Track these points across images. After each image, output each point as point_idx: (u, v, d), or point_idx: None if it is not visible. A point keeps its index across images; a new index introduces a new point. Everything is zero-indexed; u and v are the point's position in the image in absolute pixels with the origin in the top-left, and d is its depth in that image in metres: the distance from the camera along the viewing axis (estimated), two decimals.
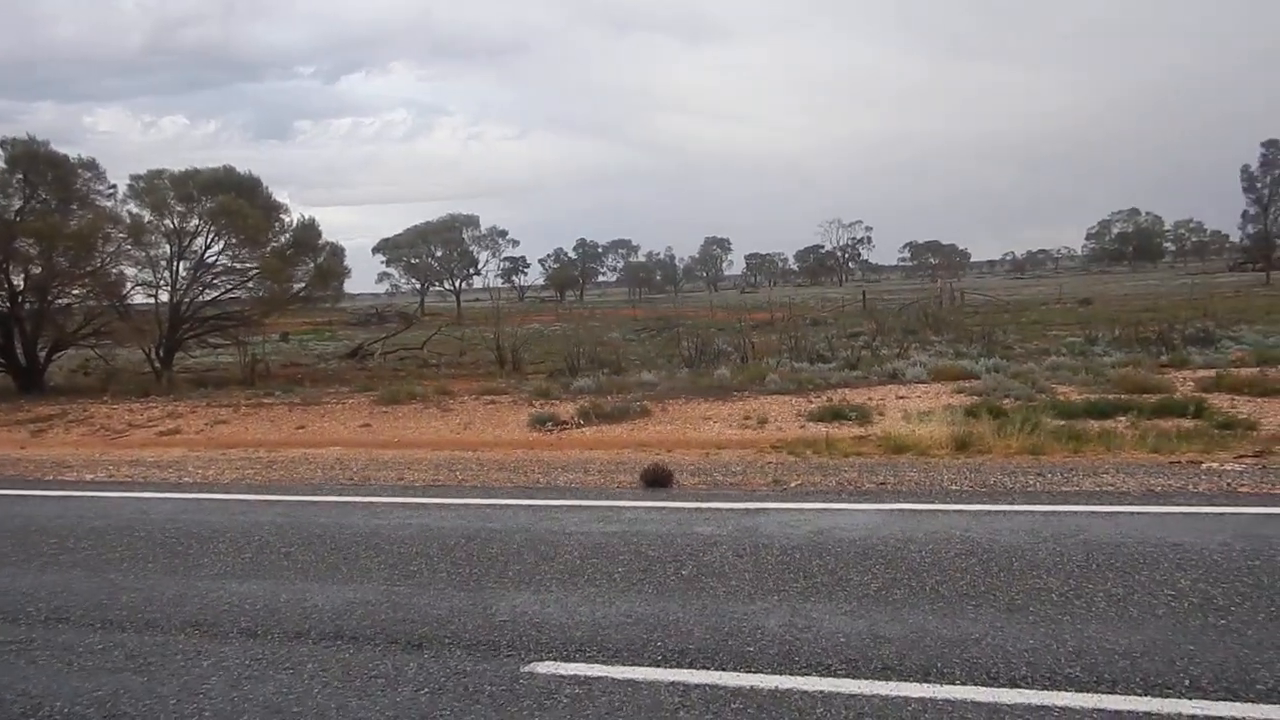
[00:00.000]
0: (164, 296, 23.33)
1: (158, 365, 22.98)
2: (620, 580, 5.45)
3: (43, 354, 22.10)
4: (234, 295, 23.40)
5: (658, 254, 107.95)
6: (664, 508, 7.27)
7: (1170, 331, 20.58)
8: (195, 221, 22.68)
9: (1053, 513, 6.54)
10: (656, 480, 8.17)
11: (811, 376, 15.18)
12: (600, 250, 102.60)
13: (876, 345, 23.70)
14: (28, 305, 21.76)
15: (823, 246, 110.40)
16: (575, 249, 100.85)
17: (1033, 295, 54.42)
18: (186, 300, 23.18)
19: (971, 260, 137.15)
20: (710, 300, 68.96)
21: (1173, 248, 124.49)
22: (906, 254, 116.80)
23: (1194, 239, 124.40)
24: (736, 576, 5.38)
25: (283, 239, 23.07)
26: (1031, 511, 6.58)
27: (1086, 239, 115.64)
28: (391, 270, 70.54)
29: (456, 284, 72.94)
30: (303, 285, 23.22)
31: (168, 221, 22.34)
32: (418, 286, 70.60)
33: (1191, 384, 13.14)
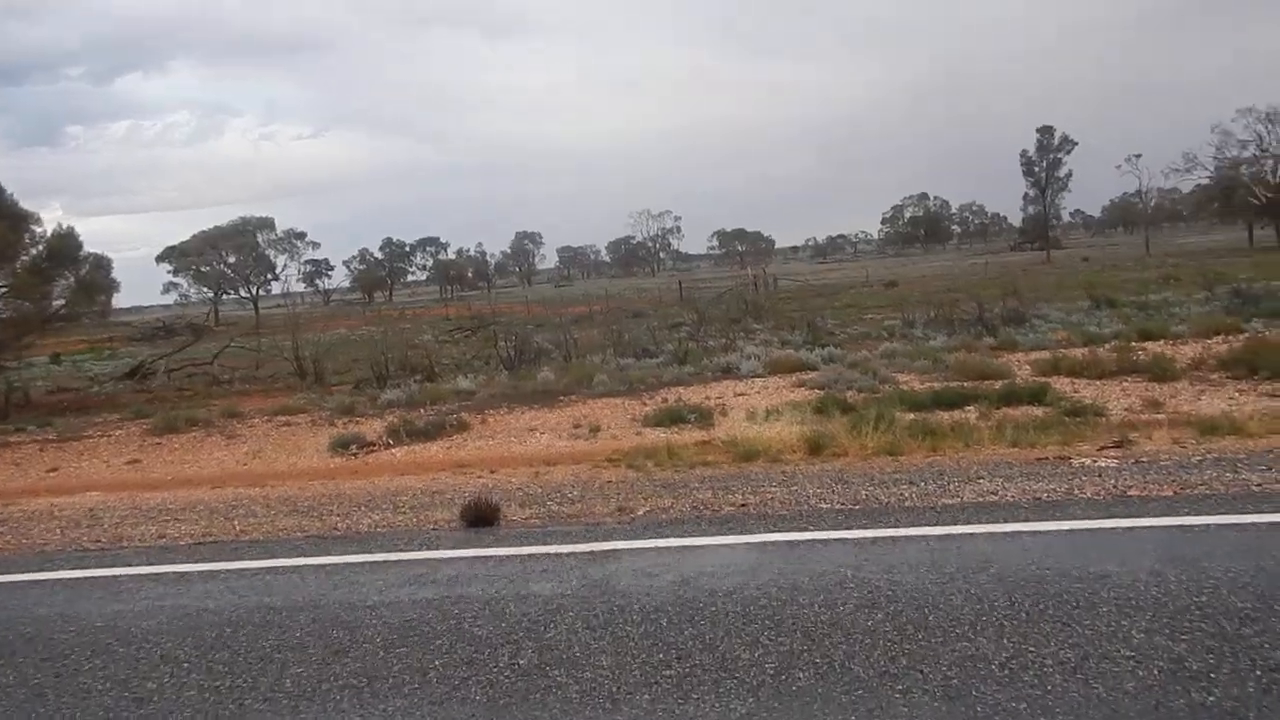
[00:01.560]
0: None
1: None
2: (437, 681, 4.08)
3: None
4: None
5: (468, 250, 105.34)
6: (492, 556, 5.92)
7: (983, 313, 20.66)
8: None
9: (947, 536, 5.58)
10: (480, 518, 6.81)
11: (641, 375, 14.10)
12: (408, 249, 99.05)
13: (701, 336, 22.95)
14: None
15: (634, 238, 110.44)
16: (382, 249, 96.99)
17: (840, 279, 55.60)
18: None
19: (776, 247, 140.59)
20: (525, 296, 67.41)
21: (959, 230, 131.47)
22: (715, 243, 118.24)
23: (977, 221, 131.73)
24: (591, 664, 4.10)
25: (34, 252, 20.17)
26: (924, 537, 5.60)
27: (882, 223, 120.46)
28: (180, 280, 65.44)
29: (253, 291, 68.42)
30: (62, 302, 20.37)
31: None
32: (210, 296, 65.77)
33: (1028, 367, 12.78)
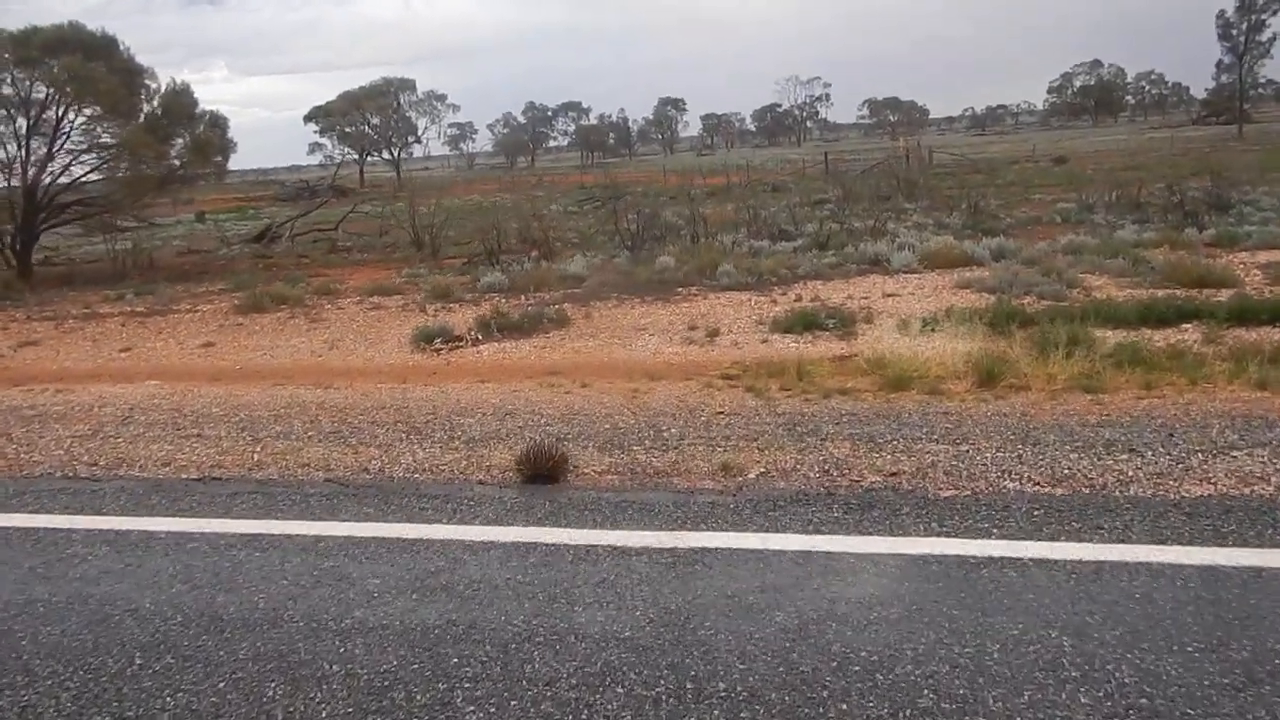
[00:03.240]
0: (16, 180, 19.52)
1: (13, 261, 19.35)
2: None
3: None
4: (100, 177, 19.63)
5: (610, 116, 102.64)
6: (537, 545, 4.26)
7: (1180, 196, 17.58)
8: (45, 90, 18.69)
9: (1214, 571, 3.59)
10: (540, 471, 5.14)
11: (774, 264, 12.08)
12: (550, 114, 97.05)
13: (846, 216, 20.55)
14: None
15: (780, 105, 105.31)
16: (524, 113, 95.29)
17: (1001, 153, 51.07)
18: (44, 183, 19.38)
19: (931, 117, 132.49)
20: (664, 165, 64.91)
21: (1132, 101, 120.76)
22: (865, 112, 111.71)
23: (1154, 92, 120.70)
24: None
25: (148, 109, 19.17)
26: (1176, 568, 3.62)
27: (1048, 93, 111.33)
28: (325, 141, 65.35)
29: (395, 153, 67.96)
30: (177, 162, 19.41)
31: (6, 90, 18.35)
32: (354, 157, 65.60)
33: (1257, 273, 10.21)
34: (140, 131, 18.63)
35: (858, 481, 4.93)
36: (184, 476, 5.63)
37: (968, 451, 5.24)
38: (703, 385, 7.51)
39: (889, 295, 10.19)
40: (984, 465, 5.01)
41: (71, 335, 11.71)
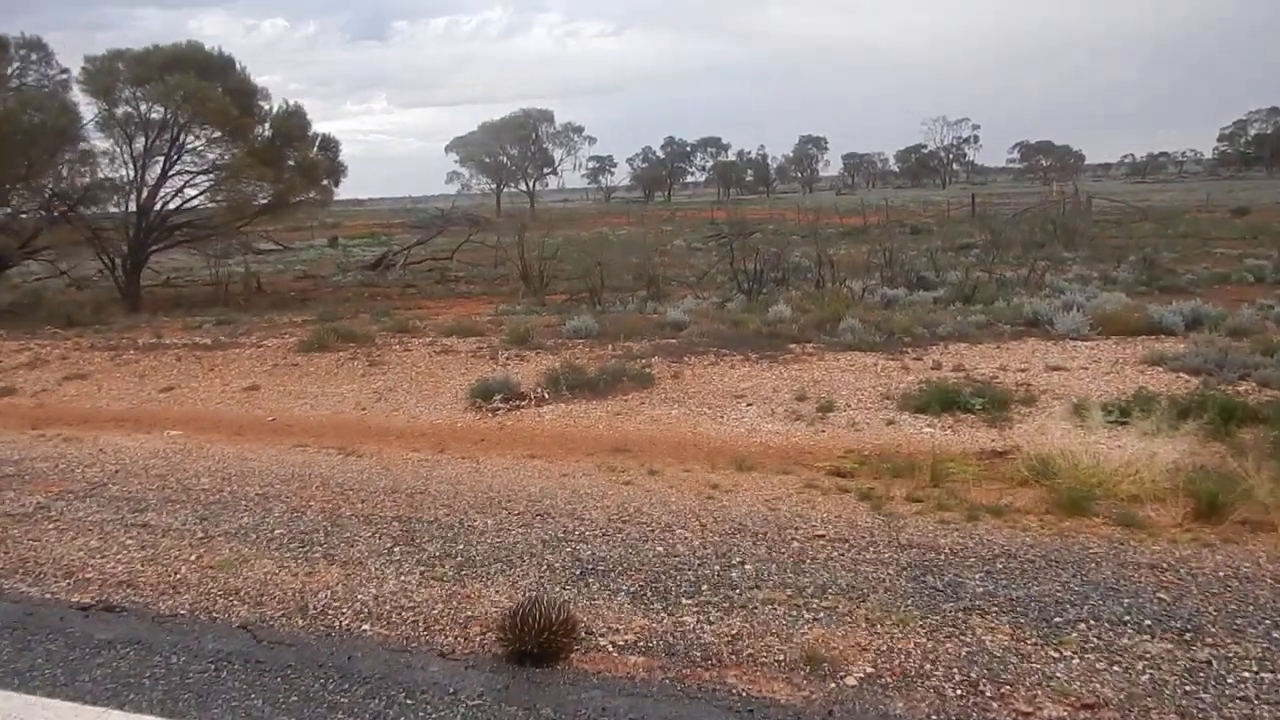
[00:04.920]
0: (130, 203, 19.12)
1: (121, 281, 18.86)
2: None
3: None
4: (209, 200, 19.04)
5: (749, 153, 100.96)
6: None
7: None
8: (161, 112, 18.19)
9: None
10: (530, 647, 3.36)
11: (909, 320, 10.06)
12: (689, 149, 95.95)
13: (994, 263, 18.23)
14: None
15: (925, 146, 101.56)
16: (663, 148, 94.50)
17: (1168, 202, 47.10)
18: (156, 205, 18.89)
19: (1085, 163, 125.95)
20: (801, 203, 62.81)
21: None
22: (1016, 155, 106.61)
23: None
24: None
25: (260, 131, 18.46)
26: None
27: (1219, 140, 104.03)
28: (462, 170, 65.63)
29: (530, 184, 67.83)
30: (279, 185, 18.61)
31: (124, 109, 17.91)
32: (489, 187, 65.63)
33: None
34: (249, 153, 17.89)
35: (1027, 715, 2.98)
36: (73, 600, 4.10)
37: (1209, 665, 3.22)
38: (803, 484, 5.64)
39: (1054, 369, 8.06)
40: (1244, 699, 3.00)
41: (124, 369, 10.61)
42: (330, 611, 3.88)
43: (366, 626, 3.73)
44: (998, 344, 9.07)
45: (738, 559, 4.37)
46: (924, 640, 3.49)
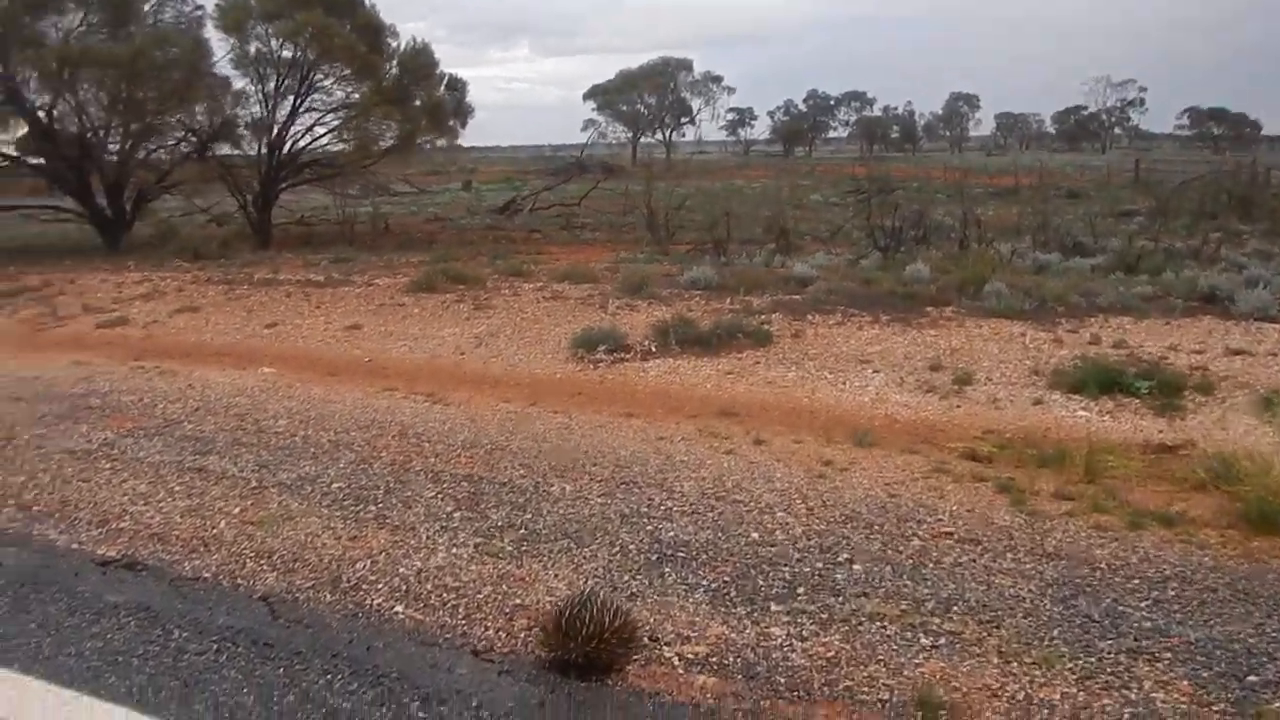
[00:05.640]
0: (256, 141, 19.31)
1: (253, 218, 19.09)
2: None
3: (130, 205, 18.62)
4: (336, 138, 19.02)
5: (895, 109, 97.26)
6: None
7: None
8: (291, 49, 18.16)
9: None
10: (577, 656, 2.75)
11: (1063, 288, 9.00)
12: (832, 103, 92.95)
13: (1160, 232, 16.61)
14: (111, 150, 18.25)
15: (1085, 108, 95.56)
16: (805, 101, 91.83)
17: None
18: (285, 144, 18.99)
19: (1262, 133, 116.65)
20: (948, 162, 60.05)
21: None
22: (1184, 121, 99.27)
23: None
24: None
25: (388, 69, 18.23)
26: None
27: None
28: (599, 118, 65.08)
29: (667, 134, 66.91)
30: (405, 126, 18.37)
31: (256, 46, 17.95)
32: (625, 136, 64.96)
33: None
34: (376, 91, 17.71)
35: None
36: (97, 553, 3.71)
37: None
38: (931, 468, 4.88)
39: (1236, 353, 6.97)
40: None
41: (234, 304, 10.49)
42: (364, 586, 3.37)
43: (400, 608, 3.21)
44: (1167, 320, 7.97)
45: (845, 556, 3.68)
46: (1073, 690, 2.75)
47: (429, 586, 3.37)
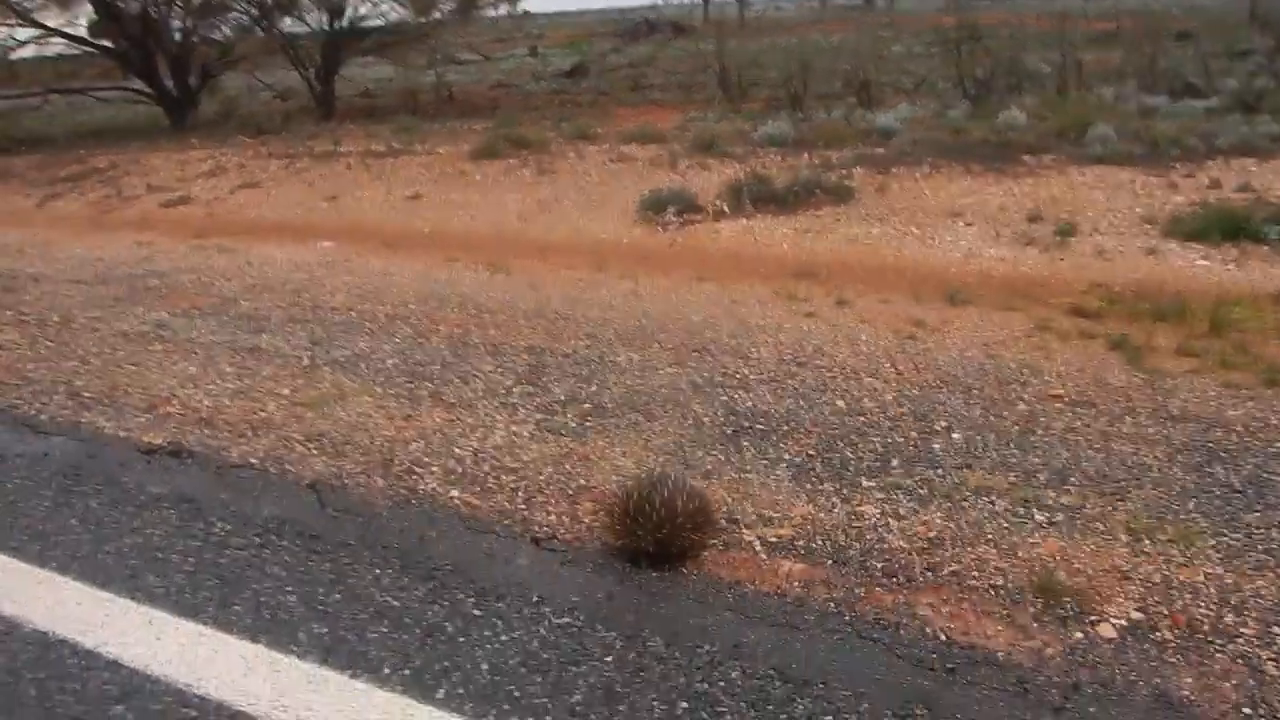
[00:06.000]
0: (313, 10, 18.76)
1: (316, 90, 18.73)
2: None
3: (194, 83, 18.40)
4: (391, 7, 18.40)
5: None
6: None
7: None
8: None
9: None
10: (646, 543, 2.46)
11: (1177, 131, 8.23)
12: None
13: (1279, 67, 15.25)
14: (173, 28, 17.95)
15: None
16: None
17: None
18: (344, 12, 18.42)
19: None
20: (1042, 8, 56.49)
21: None
22: None
23: None
24: None
25: None
26: None
27: None
28: None
29: None
30: None
31: None
32: None
33: None
34: None
35: None
36: (143, 441, 3.51)
37: None
38: (1034, 325, 4.46)
39: None
40: None
41: (295, 178, 10.25)
42: (418, 470, 3.13)
43: (455, 492, 2.96)
44: None
45: (942, 423, 3.31)
46: (1219, 571, 2.38)
47: (486, 468, 3.11)
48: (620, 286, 5.59)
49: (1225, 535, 2.54)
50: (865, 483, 2.87)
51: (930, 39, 32.67)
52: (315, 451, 3.32)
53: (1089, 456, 3.03)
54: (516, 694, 2.00)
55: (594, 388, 3.80)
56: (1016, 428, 3.27)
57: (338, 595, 2.40)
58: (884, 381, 3.75)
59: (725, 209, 7.21)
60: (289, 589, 2.44)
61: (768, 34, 34.56)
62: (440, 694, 2.01)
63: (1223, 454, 3.04)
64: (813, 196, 7.23)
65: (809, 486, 2.85)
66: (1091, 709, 1.92)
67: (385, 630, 2.24)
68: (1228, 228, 5.65)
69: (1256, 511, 2.67)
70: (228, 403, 3.84)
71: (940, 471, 2.92)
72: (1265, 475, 2.89)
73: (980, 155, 8.08)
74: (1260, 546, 2.49)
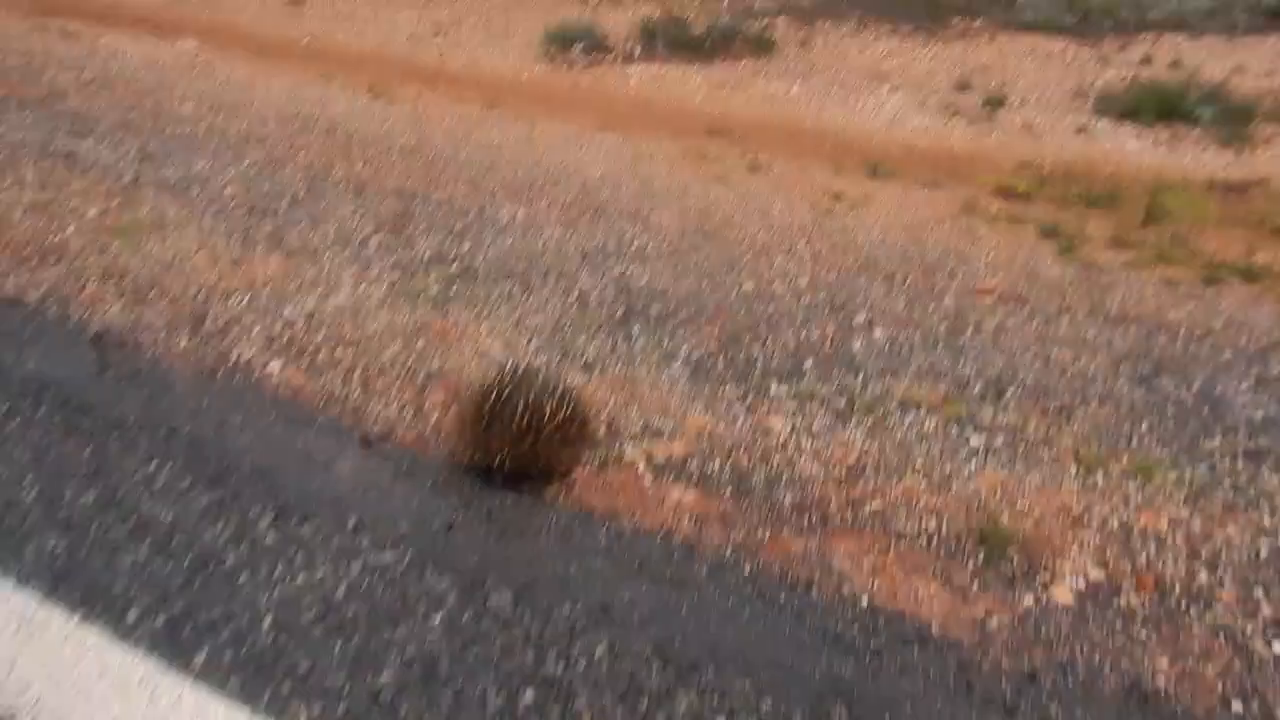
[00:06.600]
0: None
1: None
2: None
3: None
4: None
5: None
6: None
7: None
8: None
9: None
10: (503, 459, 1.87)
11: (1106, 2, 7.65)
12: None
13: None
14: None
15: None
16: None
17: None
18: None
19: None
20: None
21: None
22: None
23: None
24: None
25: None
26: None
27: None
28: None
29: None
30: None
31: None
32: None
33: None
34: None
35: None
36: None
37: None
38: (960, 206, 3.95)
39: None
40: None
41: None
42: (235, 331, 2.47)
43: (276, 366, 2.33)
44: (1229, 38, 6.77)
45: (863, 316, 2.80)
46: (1184, 514, 1.95)
47: (320, 337, 2.47)
48: (513, 128, 4.86)
49: (1186, 467, 2.12)
50: (774, 387, 2.34)
51: None
52: (111, 293, 2.63)
53: (1026, 364, 2.56)
54: (303, 668, 1.44)
55: (467, 246, 3.15)
56: (944, 326, 2.78)
57: (91, 496, 1.78)
58: (798, 262, 3.20)
59: (637, 51, 6.43)
60: (27, 480, 1.81)
61: None
62: (199, 658, 1.44)
63: (1170, 364, 2.62)
64: (731, 46, 6.49)
65: (708, 390, 2.31)
66: (1052, 709, 1.46)
67: (143, 555, 1.65)
68: (1160, 108, 5.19)
69: (1215, 437, 2.25)
70: (18, 217, 3.08)
71: (861, 378, 2.41)
72: (1218, 391, 2.47)
73: (909, 14, 7.39)
74: (1227, 481, 2.07)
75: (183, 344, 2.40)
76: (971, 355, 2.60)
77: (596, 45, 6.46)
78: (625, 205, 3.68)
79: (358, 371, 2.32)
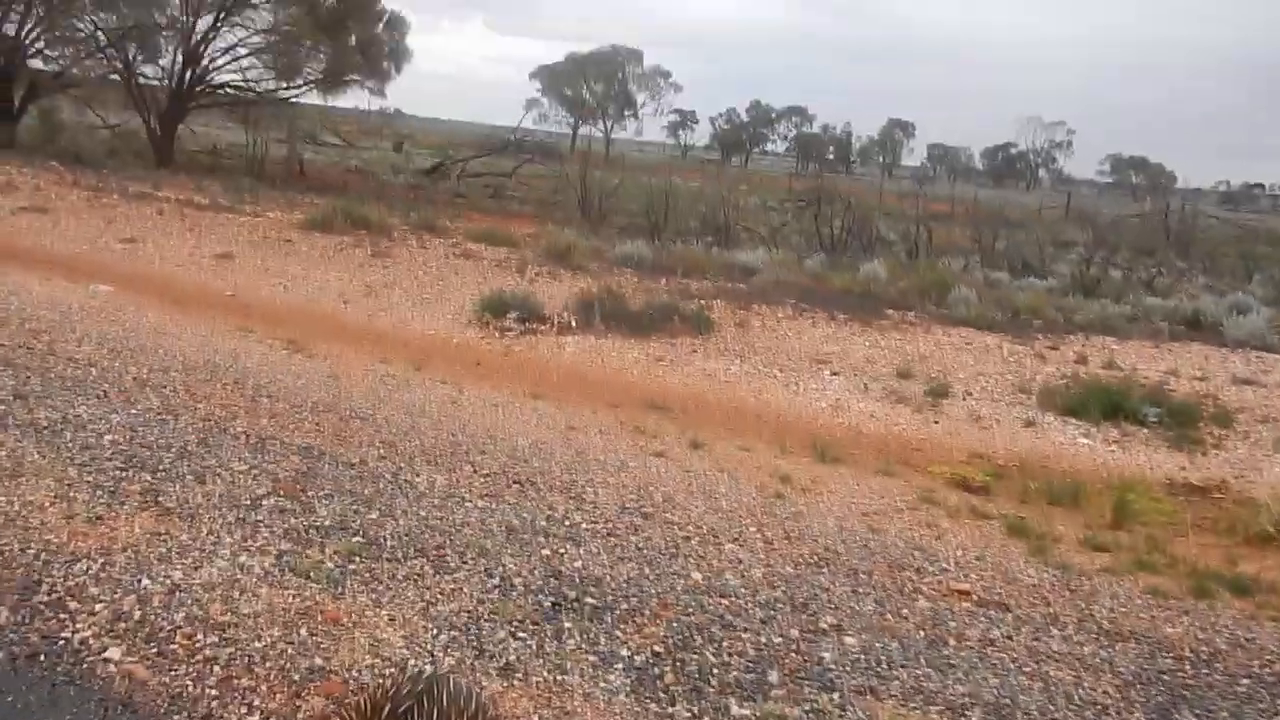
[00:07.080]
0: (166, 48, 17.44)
1: (155, 135, 17.20)
2: None
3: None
4: (253, 63, 17.16)
5: (834, 128, 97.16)
6: None
7: None
8: None
9: None
10: None
11: (1031, 303, 7.98)
12: (774, 115, 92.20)
13: (1103, 262, 15.90)
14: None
15: (1015, 145, 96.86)
16: (748, 111, 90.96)
17: (1273, 230, 43.80)
18: (200, 58, 17.11)
19: (1176, 185, 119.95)
20: (882, 186, 59.95)
21: None
22: (1106, 168, 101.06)
23: None
24: None
25: None
26: None
27: None
28: (543, 100, 63.01)
29: (608, 125, 65.14)
30: (335, 59, 16.62)
31: None
32: (568, 123, 63.16)
33: None
34: (308, 14, 16.00)
35: None
36: None
37: None
38: (917, 496, 3.73)
39: (1244, 382, 5.98)
40: None
41: (94, 212, 8.92)
42: (72, 604, 2.03)
43: (117, 653, 1.88)
44: (1155, 343, 6.99)
45: (829, 619, 2.46)
46: None
47: (179, 617, 2.04)
48: (438, 391, 4.62)
49: None
50: (735, 708, 1.95)
51: (784, 196, 33.64)
52: None
53: (1024, 686, 2.23)
54: None
55: (374, 515, 2.78)
56: (922, 634, 2.45)
57: None
58: (750, 551, 2.89)
59: (573, 323, 6.38)
60: None
61: (630, 171, 34.87)
62: None
63: (1185, 694, 2.30)
64: (669, 323, 6.49)
65: (654, 710, 1.91)
66: None
67: None
68: (1106, 406, 5.19)
69: None
70: None
71: (838, 697, 2.04)
72: None
73: (843, 304, 7.58)
74: None
75: (2, 616, 1.95)
76: (961, 672, 2.27)
77: (532, 315, 6.42)
78: (557, 477, 3.38)
79: (218, 665, 1.89)
